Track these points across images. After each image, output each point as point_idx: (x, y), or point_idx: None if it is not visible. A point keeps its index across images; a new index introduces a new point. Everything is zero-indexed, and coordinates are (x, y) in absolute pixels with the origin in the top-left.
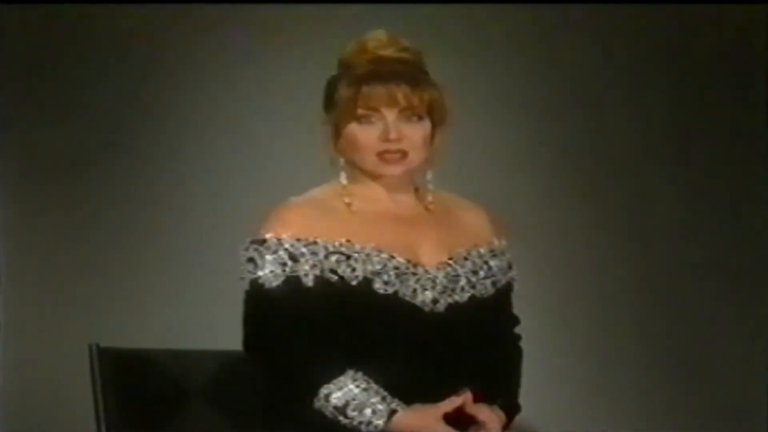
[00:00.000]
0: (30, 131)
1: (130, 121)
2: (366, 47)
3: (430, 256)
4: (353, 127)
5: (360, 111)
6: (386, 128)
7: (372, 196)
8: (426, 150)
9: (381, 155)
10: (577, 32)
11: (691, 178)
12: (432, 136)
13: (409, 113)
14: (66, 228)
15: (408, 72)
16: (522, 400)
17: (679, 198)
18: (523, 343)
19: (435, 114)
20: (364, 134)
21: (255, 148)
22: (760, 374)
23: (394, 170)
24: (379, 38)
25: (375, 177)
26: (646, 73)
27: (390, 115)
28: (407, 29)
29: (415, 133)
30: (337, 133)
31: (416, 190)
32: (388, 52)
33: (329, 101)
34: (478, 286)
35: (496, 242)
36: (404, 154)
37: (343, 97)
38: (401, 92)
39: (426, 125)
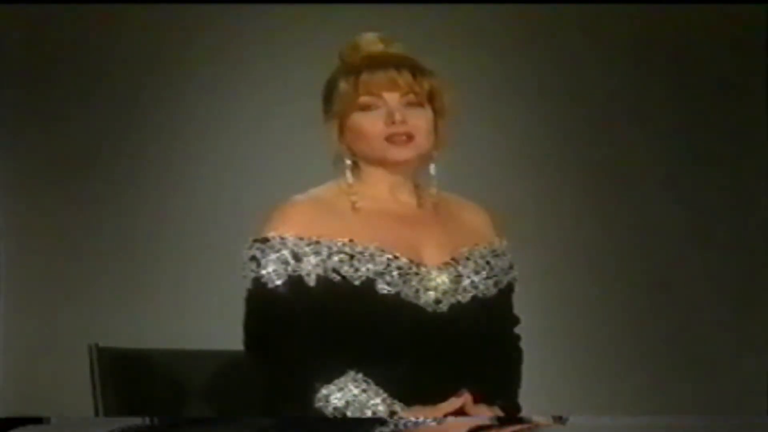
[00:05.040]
0: (30, 131)
1: (131, 121)
2: (358, 46)
3: (433, 256)
4: (357, 116)
5: (362, 99)
6: (390, 112)
7: (375, 195)
8: (430, 138)
9: (389, 139)
10: (579, 33)
11: (692, 177)
12: (435, 126)
13: (411, 99)
14: (66, 228)
15: (406, 61)
16: (522, 399)
17: (679, 198)
18: (522, 344)
19: (436, 102)
20: (369, 121)
21: (256, 146)
22: (759, 367)
23: (403, 153)
24: (370, 38)
25: (383, 163)
26: (648, 73)
27: (392, 100)
28: (407, 29)
29: (419, 119)
30: (341, 126)
31: (419, 189)
32: (379, 47)
33: (329, 98)
34: (481, 287)
35: (497, 242)
36: (410, 137)
37: (344, 87)
38: (402, 77)
39: (428, 113)
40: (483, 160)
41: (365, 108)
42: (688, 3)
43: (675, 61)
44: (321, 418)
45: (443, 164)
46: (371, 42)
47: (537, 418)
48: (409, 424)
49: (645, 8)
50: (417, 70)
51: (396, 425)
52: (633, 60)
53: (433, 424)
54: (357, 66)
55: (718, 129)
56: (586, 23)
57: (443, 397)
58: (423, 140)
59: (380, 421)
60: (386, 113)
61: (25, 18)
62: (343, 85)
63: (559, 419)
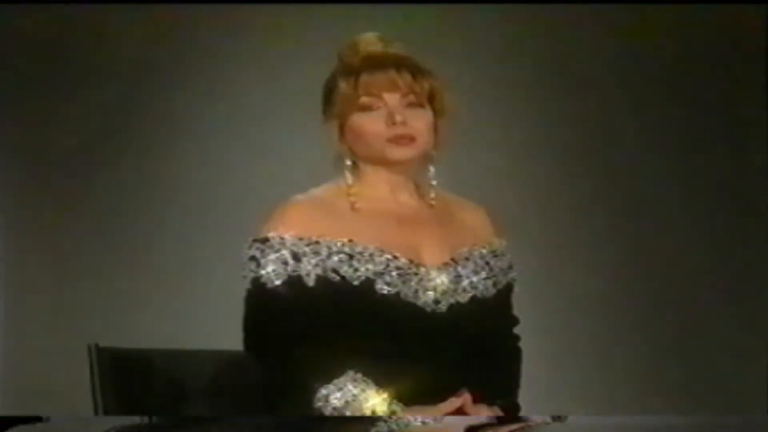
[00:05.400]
0: (30, 131)
1: (131, 120)
2: (358, 47)
3: (433, 256)
4: (357, 117)
5: (362, 99)
6: (391, 113)
7: (375, 195)
8: (430, 138)
9: (391, 140)
10: (580, 34)
11: (692, 177)
12: (435, 126)
13: (412, 99)
14: (66, 228)
15: (407, 61)
16: (521, 399)
17: (679, 198)
18: (522, 344)
19: (436, 103)
20: (370, 122)
21: (256, 146)
22: (759, 367)
23: (404, 153)
24: (370, 38)
25: (384, 163)
26: (648, 74)
27: (392, 100)
28: (407, 29)
29: (419, 119)
30: (341, 127)
31: (419, 189)
32: (378, 47)
33: (328, 99)
34: (480, 287)
35: (497, 242)
36: (412, 138)
37: (343, 88)
38: (402, 78)
39: (428, 113)
40: (483, 160)
41: (365, 108)
42: (689, 3)
43: (675, 62)
44: (319, 416)
45: (444, 164)
46: (371, 42)
47: (535, 418)
48: (406, 422)
49: (646, 9)
50: (417, 71)
51: (393, 424)
52: (633, 60)
53: (430, 422)
54: (357, 67)
55: (719, 129)
56: (586, 23)
57: (443, 397)
58: (423, 141)
59: (377, 420)
60: (387, 114)
61: (24, 19)
62: (343, 86)
63: (558, 418)
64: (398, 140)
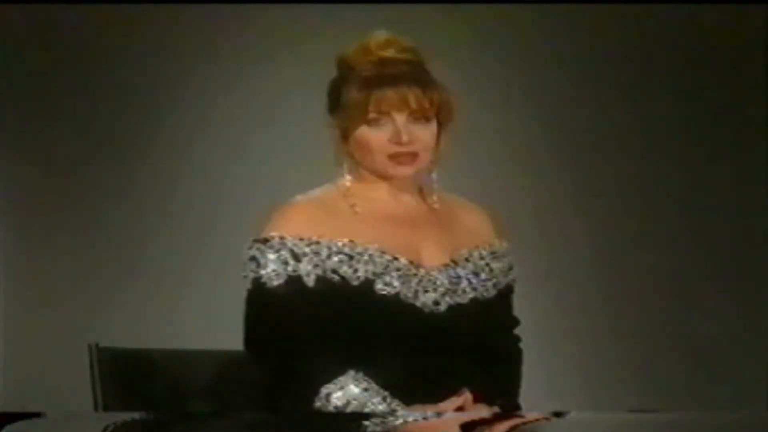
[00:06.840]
0: (30, 131)
1: (130, 121)
2: (368, 48)
3: (432, 257)
4: (364, 130)
5: (371, 115)
6: (397, 131)
7: (375, 196)
8: (433, 151)
9: (393, 157)
10: (579, 33)
11: (692, 177)
12: (438, 135)
13: (419, 115)
14: (66, 228)
15: (416, 74)
16: (522, 400)
17: (679, 198)
18: (522, 344)
19: (442, 115)
20: (375, 137)
21: (257, 146)
22: (759, 363)
23: (405, 171)
24: (380, 39)
25: (384, 177)
26: (649, 75)
27: (400, 117)
28: (408, 29)
29: (425, 134)
30: (345, 135)
31: (420, 190)
32: (390, 52)
33: (334, 104)
34: (480, 288)
35: (497, 243)
36: (415, 155)
37: (352, 100)
38: (412, 95)
39: (433, 126)
40: (484, 161)
41: (372, 122)
42: (689, 3)
43: (676, 63)
44: (317, 413)
45: (443, 165)
46: (381, 45)
47: (534, 414)
48: (401, 419)
49: (646, 11)
50: (428, 84)
51: (389, 420)
52: (633, 62)
53: (425, 418)
54: (368, 76)
55: (719, 130)
56: (585, 25)
57: (444, 397)
58: (426, 155)
59: (374, 417)
60: (393, 131)
61: (24, 18)
62: (352, 97)
63: (559, 414)
64: (401, 158)
